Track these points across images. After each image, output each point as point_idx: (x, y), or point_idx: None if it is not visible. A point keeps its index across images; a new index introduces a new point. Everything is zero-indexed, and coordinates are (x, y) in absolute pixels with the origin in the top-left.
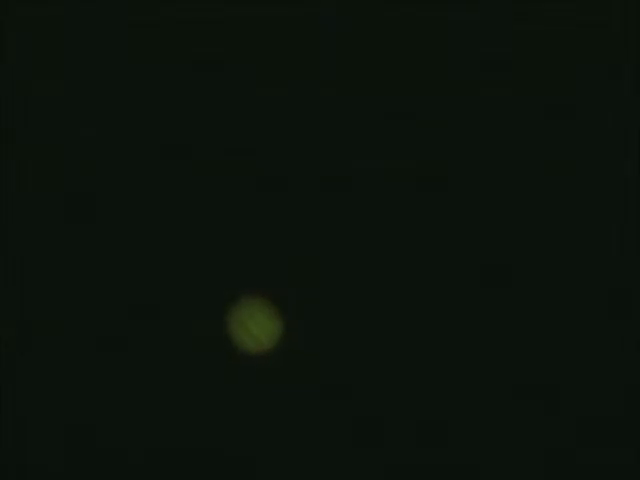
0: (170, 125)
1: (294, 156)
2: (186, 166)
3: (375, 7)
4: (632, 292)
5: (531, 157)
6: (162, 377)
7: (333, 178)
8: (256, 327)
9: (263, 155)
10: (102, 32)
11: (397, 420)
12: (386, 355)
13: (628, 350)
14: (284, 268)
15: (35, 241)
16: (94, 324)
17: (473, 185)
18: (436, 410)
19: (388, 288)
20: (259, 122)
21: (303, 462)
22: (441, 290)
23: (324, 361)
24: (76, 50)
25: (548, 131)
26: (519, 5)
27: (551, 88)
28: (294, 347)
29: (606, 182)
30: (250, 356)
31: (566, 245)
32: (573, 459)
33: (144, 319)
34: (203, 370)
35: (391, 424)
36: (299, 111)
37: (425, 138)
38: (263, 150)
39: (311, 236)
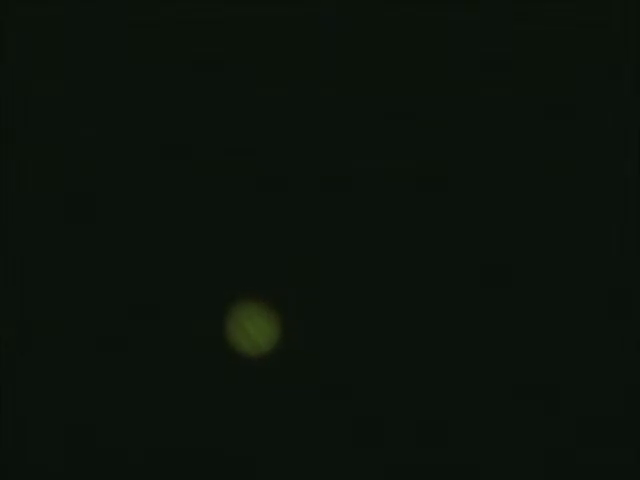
0: (170, 125)
1: (294, 156)
2: (186, 166)
3: (375, 7)
4: (632, 292)
5: (531, 157)
6: (162, 377)
7: (333, 178)
8: (254, 330)
9: (263, 155)
10: (102, 32)
11: (397, 420)
12: (386, 355)
13: (628, 350)
14: (284, 268)
15: (35, 241)
16: (94, 324)
17: (473, 185)
18: (436, 410)
19: (388, 288)
20: (259, 122)
21: (303, 462)
22: (441, 290)
23: (324, 361)
24: (76, 50)
25: (548, 131)
26: (519, 5)
27: (551, 88)
28: (294, 347)
29: (606, 182)
30: (249, 357)
31: (566, 245)
32: (573, 459)
33: (144, 319)
34: (203, 370)
35: (391, 424)
36: (299, 111)
37: (425, 138)
38: (263, 150)
39: (311, 236)
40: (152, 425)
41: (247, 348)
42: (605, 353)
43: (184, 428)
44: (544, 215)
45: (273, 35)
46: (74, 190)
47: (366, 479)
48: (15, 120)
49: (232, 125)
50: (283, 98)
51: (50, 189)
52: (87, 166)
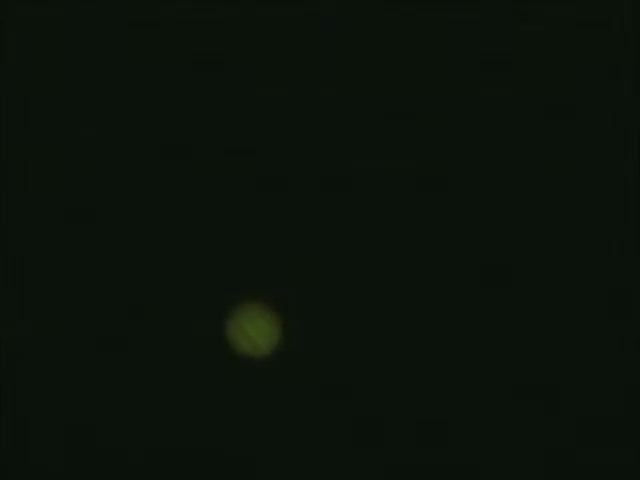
0: (170, 125)
1: (294, 156)
2: (186, 166)
3: (375, 7)
4: (632, 292)
5: (531, 157)
6: (162, 377)
7: (333, 178)
8: (254, 330)
9: (263, 155)
10: (102, 32)
11: (397, 420)
12: (386, 355)
13: (628, 350)
14: (284, 268)
15: (35, 241)
16: (94, 324)
17: (473, 185)
18: (436, 410)
19: (388, 288)
20: (259, 122)
21: (303, 462)
22: (441, 290)
23: (324, 361)
24: (76, 50)
25: (548, 131)
26: (519, 5)
27: (551, 88)
28: (294, 347)
29: (606, 182)
30: (249, 357)
31: (566, 245)
32: (573, 459)
33: (144, 319)
34: (203, 370)
35: (391, 424)
36: (299, 111)
37: (425, 138)
38: (263, 150)
39: (311, 236)
40: (152, 425)
41: (247, 348)
42: (605, 353)
43: (184, 428)
44: (544, 215)
45: (273, 35)
46: (74, 190)
47: (366, 479)
48: (15, 120)
49: (232, 125)
50: (283, 98)
51: (50, 189)
52: (87, 166)
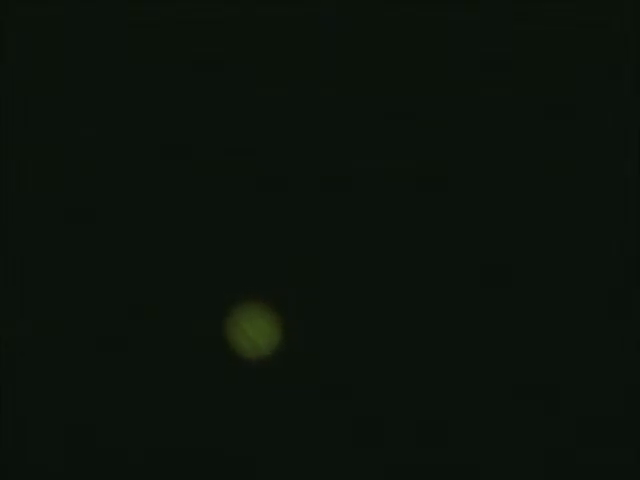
0: (170, 125)
1: (294, 156)
2: (186, 166)
3: (375, 7)
4: (632, 292)
5: (531, 157)
6: (162, 377)
7: (333, 178)
8: (254, 330)
9: (263, 155)
10: (102, 32)
11: (397, 420)
12: (386, 355)
13: (628, 350)
14: (284, 268)
15: (35, 241)
16: (94, 324)
17: (473, 185)
18: (436, 410)
19: (388, 288)
20: (259, 122)
21: (303, 462)
22: (441, 290)
23: (324, 361)
24: (76, 50)
25: (548, 131)
26: (519, 5)
27: (551, 88)
28: (294, 348)
29: (606, 182)
30: (249, 357)
31: (566, 245)
32: (573, 459)
33: (144, 319)
34: (203, 370)
35: (391, 424)
36: (299, 111)
37: (425, 138)
38: (263, 150)
39: (311, 236)
40: (152, 425)
41: (247, 348)
42: (605, 353)
43: (184, 428)
44: (544, 215)
45: (273, 35)
46: (74, 190)
47: (366, 479)
48: (15, 120)
49: (232, 125)
50: (283, 98)
51: (50, 189)
52: (87, 166)
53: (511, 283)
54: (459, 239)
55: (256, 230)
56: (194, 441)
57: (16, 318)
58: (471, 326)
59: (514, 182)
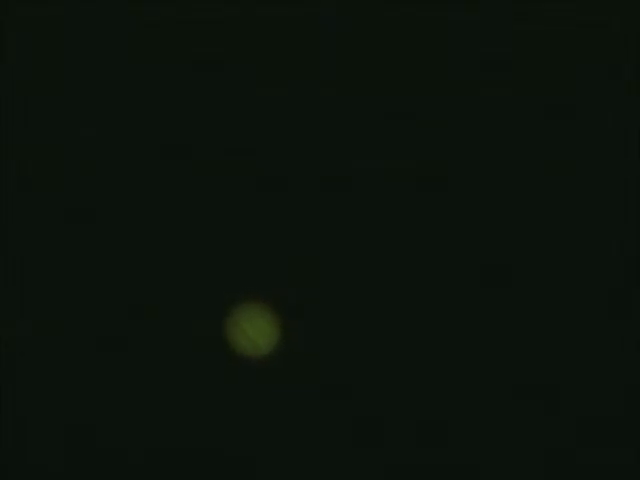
0: (170, 125)
1: (294, 156)
2: (186, 166)
3: (375, 7)
4: (632, 292)
5: (531, 157)
6: (162, 377)
7: (333, 178)
8: (254, 330)
9: (263, 155)
10: (102, 32)
11: (397, 420)
12: (386, 355)
13: (628, 350)
14: (284, 268)
15: (35, 241)
16: (94, 324)
17: (473, 185)
18: (436, 410)
19: (388, 288)
20: (259, 122)
21: (303, 462)
22: (441, 290)
23: (324, 361)
24: (76, 50)
25: (548, 131)
26: (519, 5)
27: (551, 88)
28: (294, 348)
29: (606, 182)
30: (248, 358)
31: (566, 245)
32: (573, 459)
33: (144, 319)
34: (203, 370)
35: (391, 424)
36: (299, 111)
37: (425, 138)
38: (263, 150)
39: (311, 236)
40: (152, 425)
41: (247, 348)
42: (605, 353)
43: (184, 428)
44: (544, 215)
45: (273, 35)
46: (74, 190)
47: (366, 479)
48: (15, 120)
49: (232, 125)
50: (283, 98)
51: (50, 189)
52: (87, 166)
53: (511, 283)
54: (459, 239)
55: (256, 230)
56: (194, 441)
57: (16, 318)
58: (471, 326)
59: (514, 182)
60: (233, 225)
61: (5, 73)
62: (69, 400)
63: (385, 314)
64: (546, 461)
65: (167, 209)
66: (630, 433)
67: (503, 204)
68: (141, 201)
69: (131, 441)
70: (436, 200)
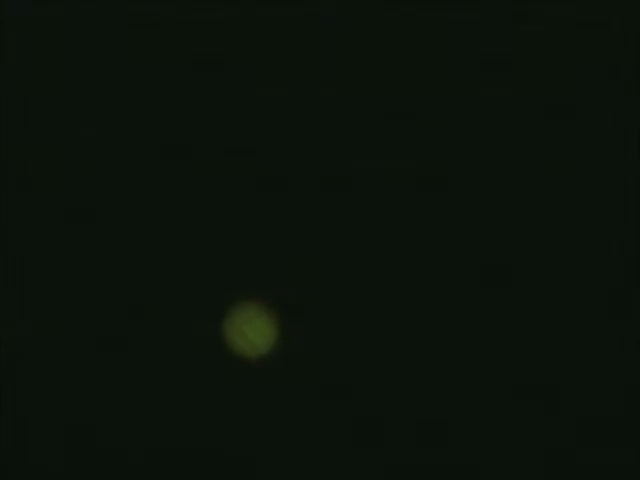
0: (170, 125)
1: (294, 156)
2: (186, 166)
3: (375, 7)
4: (632, 292)
5: (531, 157)
6: (162, 377)
7: (333, 178)
8: (254, 330)
9: (263, 155)
10: (102, 32)
11: (397, 420)
12: (386, 355)
13: (628, 350)
14: (284, 269)
15: (35, 241)
16: (94, 324)
17: (473, 185)
18: (436, 410)
19: (388, 288)
20: (259, 122)
21: (303, 462)
22: (441, 290)
23: (324, 361)
24: (76, 50)
25: (548, 131)
26: (519, 5)
27: (551, 88)
28: (294, 348)
29: (606, 182)
30: (248, 358)
31: (566, 245)
32: (573, 459)
33: (144, 319)
34: (203, 370)
35: (391, 424)
36: (299, 111)
37: (425, 138)
38: (263, 150)
39: (311, 236)
40: (152, 425)
41: (246, 348)
42: (605, 353)
43: (184, 428)
44: (544, 215)
45: (273, 35)
46: (74, 190)
47: (366, 479)
48: (15, 120)
49: (232, 125)
50: (283, 98)
51: (50, 189)
52: (87, 166)
53: (511, 283)
54: (459, 239)
55: (256, 230)
56: (194, 441)
57: (16, 318)
58: (471, 326)
59: (514, 182)
60: (233, 225)
61: (5, 73)
62: (69, 400)
63: (385, 314)
64: (546, 461)
65: (167, 209)
66: (630, 433)
67: (503, 204)
68: (141, 201)
69: (131, 441)
70: (436, 200)
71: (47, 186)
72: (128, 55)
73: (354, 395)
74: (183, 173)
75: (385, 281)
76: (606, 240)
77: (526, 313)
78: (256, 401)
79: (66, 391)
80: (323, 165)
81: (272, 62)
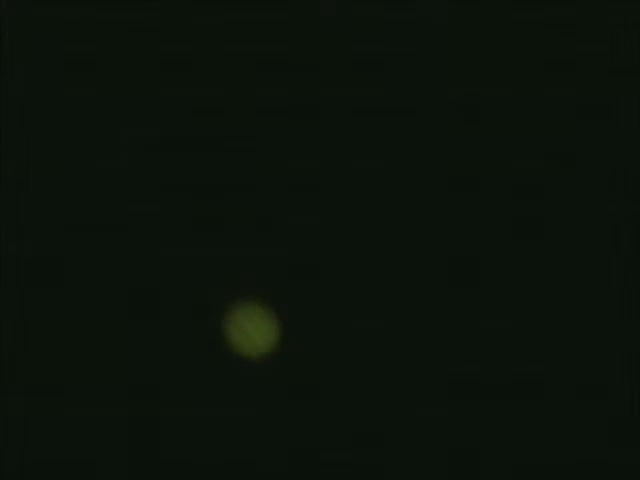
0: (170, 125)
1: (294, 156)
2: (186, 166)
3: (375, 7)
4: (632, 292)
5: (531, 157)
6: (161, 377)
7: (333, 178)
8: (253, 330)
9: (263, 155)
10: (102, 32)
11: (397, 420)
12: (386, 355)
13: (628, 350)
14: (284, 268)
15: (35, 241)
16: (94, 324)
17: (473, 185)
18: (436, 410)
19: (388, 288)
20: (259, 122)
21: (303, 462)
22: (441, 290)
23: (324, 362)
24: (76, 50)
25: (548, 131)
26: (520, 5)
27: (551, 88)
28: (294, 348)
29: (606, 182)
30: (248, 358)
31: (566, 245)
32: (573, 459)
33: (144, 319)
34: (202, 370)
35: (391, 424)
36: (299, 111)
37: (425, 138)
38: (263, 150)
39: (310, 236)
40: (152, 425)
41: (246, 349)
42: (605, 353)
43: (183, 428)
44: (544, 215)
45: (273, 35)
46: (74, 190)
47: (366, 479)
48: (15, 120)
49: (232, 125)
50: (283, 98)
51: (50, 189)
52: (87, 166)
53: (511, 283)
54: (459, 239)
55: (255, 230)
56: (193, 441)
57: (16, 318)
58: (471, 326)
59: (514, 182)
60: (232, 225)
61: (5, 73)
62: (69, 400)
63: (385, 314)
64: (546, 461)
65: (167, 209)
66: (631, 433)
67: (503, 204)
68: (141, 201)
69: (131, 441)
70: (436, 200)
71: (47, 186)
72: (128, 55)
73: (354, 395)
74: (183, 173)
75: (385, 281)
76: (606, 240)
77: (526, 313)
78: (256, 401)
79: (66, 391)
80: (323, 165)
81: (272, 62)
